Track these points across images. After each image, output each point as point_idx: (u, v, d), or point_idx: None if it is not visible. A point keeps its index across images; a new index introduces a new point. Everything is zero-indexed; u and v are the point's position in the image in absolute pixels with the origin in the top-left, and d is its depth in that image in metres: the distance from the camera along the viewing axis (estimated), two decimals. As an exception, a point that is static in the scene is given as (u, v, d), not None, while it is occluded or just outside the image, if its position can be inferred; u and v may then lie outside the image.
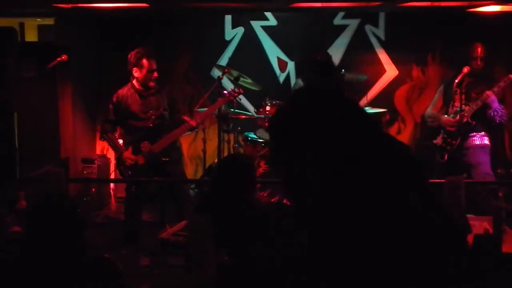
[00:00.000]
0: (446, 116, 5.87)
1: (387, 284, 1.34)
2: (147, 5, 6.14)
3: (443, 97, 6.01)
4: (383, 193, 1.41)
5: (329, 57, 6.64)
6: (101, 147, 7.37)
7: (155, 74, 5.57)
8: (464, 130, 5.74)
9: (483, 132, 5.81)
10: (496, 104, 5.59)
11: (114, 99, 5.64)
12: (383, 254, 1.35)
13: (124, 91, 5.65)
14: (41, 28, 8.01)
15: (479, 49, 5.68)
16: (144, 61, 5.52)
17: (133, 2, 6.20)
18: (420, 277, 1.35)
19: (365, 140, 1.48)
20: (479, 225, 3.94)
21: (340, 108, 1.52)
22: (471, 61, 5.68)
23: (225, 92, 6.00)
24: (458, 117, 5.72)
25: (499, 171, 6.49)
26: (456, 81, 5.66)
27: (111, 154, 6.85)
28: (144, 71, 5.54)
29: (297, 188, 1.53)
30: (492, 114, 5.62)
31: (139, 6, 6.22)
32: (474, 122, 5.71)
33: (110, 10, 6.45)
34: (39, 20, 7.79)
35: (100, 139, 5.88)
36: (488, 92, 5.57)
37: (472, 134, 5.78)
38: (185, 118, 5.68)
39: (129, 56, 5.58)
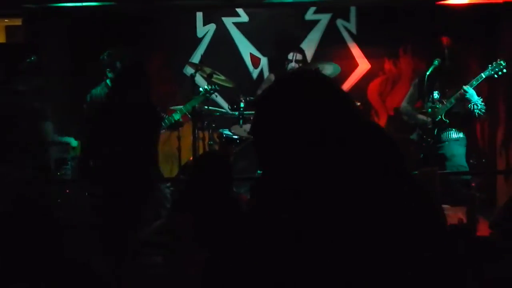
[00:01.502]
0: (421, 116, 5.91)
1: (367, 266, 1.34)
2: (115, 3, 6.10)
3: (418, 90, 6.05)
4: (364, 175, 1.41)
5: (303, 55, 6.70)
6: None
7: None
8: (439, 127, 5.79)
9: (459, 126, 5.87)
10: (475, 97, 5.63)
11: (88, 98, 5.61)
12: (364, 236, 1.35)
13: (97, 91, 5.62)
14: (9, 29, 7.90)
15: (447, 43, 5.73)
16: (117, 62, 5.50)
17: (101, 1, 6.15)
18: (398, 259, 1.36)
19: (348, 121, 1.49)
20: (454, 215, 4.01)
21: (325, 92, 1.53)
22: (440, 54, 5.73)
23: (200, 89, 6.01)
24: (434, 112, 5.76)
25: (471, 161, 6.57)
26: (428, 73, 5.70)
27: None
28: (117, 71, 5.51)
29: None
30: (472, 108, 5.65)
31: (108, 4, 6.17)
32: (448, 121, 5.76)
33: (78, 9, 6.38)
34: (7, 21, 7.68)
35: (76, 139, 5.83)
36: (466, 87, 5.59)
37: (448, 129, 5.84)
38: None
39: (101, 56, 5.55)
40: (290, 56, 6.60)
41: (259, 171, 6.27)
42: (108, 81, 5.62)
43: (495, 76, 5.56)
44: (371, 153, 1.45)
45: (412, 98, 6.11)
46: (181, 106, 5.93)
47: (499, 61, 5.55)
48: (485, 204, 5.74)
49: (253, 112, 1.64)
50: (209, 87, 6.12)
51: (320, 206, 1.40)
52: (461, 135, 5.88)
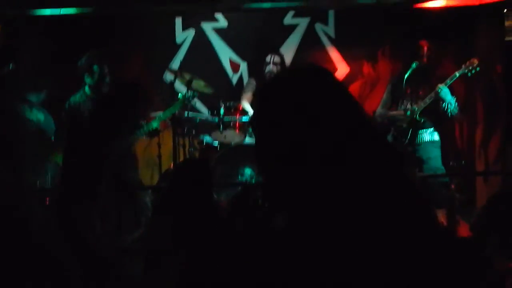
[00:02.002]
0: (393, 112, 5.93)
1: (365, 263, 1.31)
2: (92, 9, 6.07)
3: (392, 95, 6.07)
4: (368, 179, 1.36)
5: (282, 57, 6.72)
6: (54, 156, 7.24)
7: (108, 79, 5.51)
8: (413, 127, 5.82)
9: (432, 128, 5.90)
10: (449, 96, 5.67)
11: (67, 106, 5.57)
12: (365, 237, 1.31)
13: (76, 97, 5.57)
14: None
15: (425, 47, 5.77)
16: (95, 66, 5.46)
17: (78, 6, 6.10)
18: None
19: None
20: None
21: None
22: (417, 58, 5.76)
23: (179, 95, 5.99)
24: (409, 113, 5.79)
25: (451, 163, 6.61)
26: (406, 76, 5.71)
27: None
28: (96, 76, 5.47)
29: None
30: (445, 107, 5.69)
31: (85, 10, 6.13)
32: (422, 120, 5.79)
33: (56, 15, 6.33)
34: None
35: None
36: (440, 85, 5.63)
37: (422, 131, 5.87)
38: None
39: (79, 62, 5.50)
40: (268, 58, 6.63)
41: (247, 178, 6.27)
42: (86, 88, 5.57)
43: (469, 74, 5.61)
44: (378, 158, 1.40)
45: (386, 104, 6.12)
46: (160, 113, 5.90)
47: (472, 59, 5.61)
48: (465, 205, 5.78)
49: (255, 102, 1.55)
50: (188, 93, 6.11)
51: (325, 212, 1.34)
52: (435, 137, 5.90)
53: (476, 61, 5.58)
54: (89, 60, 5.47)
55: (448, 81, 5.63)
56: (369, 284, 1.28)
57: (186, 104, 6.12)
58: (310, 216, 1.36)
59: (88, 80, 5.51)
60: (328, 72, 1.53)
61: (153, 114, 6.13)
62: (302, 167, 1.39)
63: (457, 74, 5.63)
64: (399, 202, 1.37)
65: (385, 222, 1.32)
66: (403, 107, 5.86)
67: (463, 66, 5.64)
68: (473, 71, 5.59)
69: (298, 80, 1.47)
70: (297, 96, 1.42)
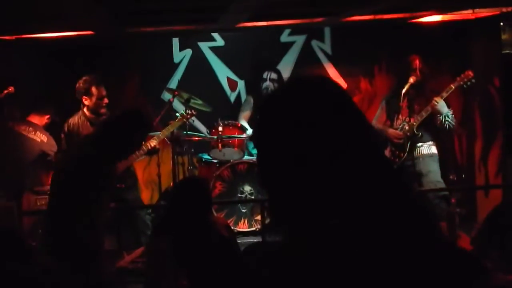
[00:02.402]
0: (392, 129, 5.94)
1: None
2: (93, 32, 6.09)
3: (386, 111, 6.08)
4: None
5: (279, 74, 6.76)
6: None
7: (106, 101, 5.54)
8: (411, 141, 5.82)
9: (430, 142, 5.90)
10: (445, 109, 5.68)
11: (65, 128, 5.59)
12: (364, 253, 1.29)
13: (75, 119, 5.59)
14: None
15: (417, 61, 5.79)
16: (93, 88, 5.49)
17: (78, 30, 6.12)
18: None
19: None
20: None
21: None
22: (411, 73, 5.77)
23: (177, 114, 6.00)
24: (406, 127, 5.79)
25: (451, 177, 6.60)
26: (403, 91, 5.71)
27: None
28: (94, 98, 5.51)
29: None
30: (442, 120, 5.69)
31: (85, 34, 6.16)
32: (420, 134, 5.79)
33: (56, 39, 6.36)
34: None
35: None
36: (436, 98, 5.64)
37: (419, 145, 5.87)
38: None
39: (77, 84, 5.53)
40: (264, 75, 6.69)
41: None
42: (85, 109, 5.59)
43: (464, 86, 5.63)
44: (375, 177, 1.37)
45: (380, 119, 6.12)
46: (159, 132, 5.91)
47: (467, 72, 5.63)
48: (466, 219, 5.77)
49: (257, 117, 1.51)
50: (186, 112, 6.13)
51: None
52: (433, 150, 5.90)
53: (471, 73, 5.60)
54: (86, 82, 5.50)
55: (444, 94, 5.65)
56: None
57: (184, 123, 6.13)
58: (311, 231, 1.33)
59: (86, 102, 5.53)
60: (328, 81, 1.49)
61: (151, 134, 6.13)
62: (304, 180, 1.37)
63: (453, 87, 5.65)
64: (403, 216, 1.34)
65: (388, 237, 1.29)
66: (399, 122, 5.87)
67: (458, 78, 5.66)
68: (469, 83, 5.61)
69: (297, 92, 1.42)
70: (296, 109, 1.38)
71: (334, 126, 1.36)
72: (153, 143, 5.65)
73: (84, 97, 5.50)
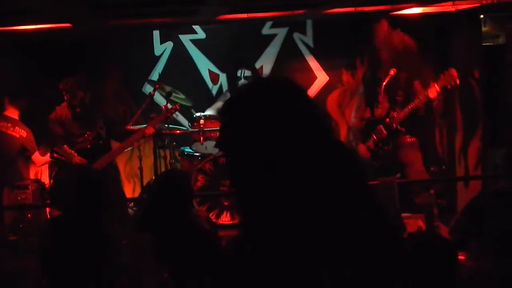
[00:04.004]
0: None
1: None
2: (71, 25, 6.04)
3: (365, 98, 6.10)
4: (324, 191, 1.37)
5: (254, 71, 6.75)
6: (35, 171, 7.17)
7: (77, 110, 5.55)
8: (394, 132, 5.84)
9: (411, 132, 5.94)
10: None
11: (53, 116, 5.60)
12: (320, 254, 1.33)
13: (62, 109, 5.61)
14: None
15: (402, 52, 5.80)
16: (75, 90, 5.49)
17: (56, 23, 6.07)
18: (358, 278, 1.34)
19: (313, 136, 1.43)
20: (413, 223, 4.04)
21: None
22: (393, 65, 5.78)
23: (161, 107, 6.01)
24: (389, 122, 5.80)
25: (432, 169, 6.64)
26: (384, 83, 5.74)
27: (45, 178, 6.68)
28: (78, 99, 5.53)
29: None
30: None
31: (63, 27, 6.11)
32: (403, 129, 5.81)
33: (33, 32, 6.30)
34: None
35: (51, 157, 5.73)
36: (430, 90, 5.59)
37: (401, 136, 5.89)
38: (135, 128, 5.78)
39: (60, 84, 5.54)
40: (238, 73, 6.68)
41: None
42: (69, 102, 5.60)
43: (448, 87, 5.59)
44: (335, 170, 1.41)
45: (360, 108, 6.14)
46: (142, 126, 5.90)
47: (450, 70, 5.57)
48: (445, 210, 5.82)
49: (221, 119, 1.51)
50: (170, 107, 6.10)
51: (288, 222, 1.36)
52: (415, 141, 5.95)
53: (454, 73, 5.52)
54: (68, 84, 5.50)
55: (430, 95, 5.59)
56: None
57: (168, 118, 6.11)
58: (276, 234, 1.36)
59: (69, 100, 5.55)
60: (288, 82, 1.49)
61: (133, 127, 6.10)
62: (269, 181, 1.39)
63: (438, 89, 5.55)
64: (360, 216, 1.38)
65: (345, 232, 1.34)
66: (380, 111, 5.89)
67: (441, 76, 5.59)
68: (453, 84, 5.55)
69: (253, 97, 1.46)
70: (254, 113, 1.42)
71: (289, 126, 1.39)
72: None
73: (67, 95, 5.52)
